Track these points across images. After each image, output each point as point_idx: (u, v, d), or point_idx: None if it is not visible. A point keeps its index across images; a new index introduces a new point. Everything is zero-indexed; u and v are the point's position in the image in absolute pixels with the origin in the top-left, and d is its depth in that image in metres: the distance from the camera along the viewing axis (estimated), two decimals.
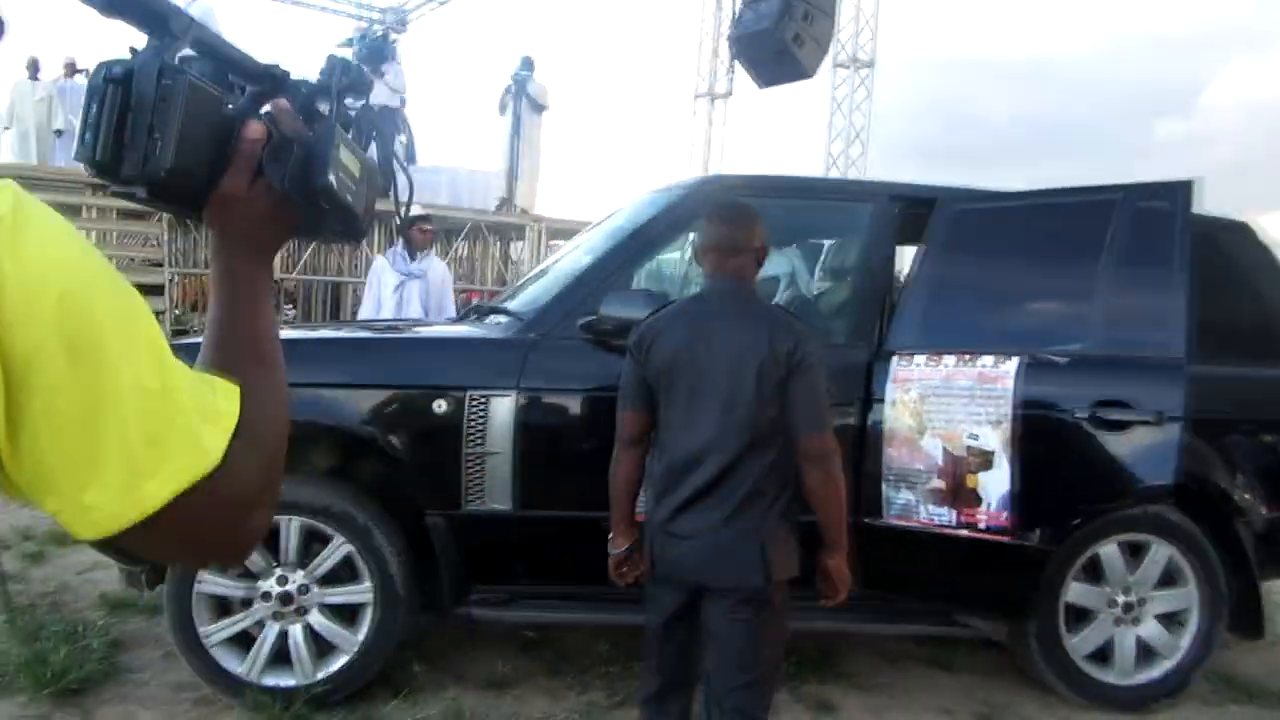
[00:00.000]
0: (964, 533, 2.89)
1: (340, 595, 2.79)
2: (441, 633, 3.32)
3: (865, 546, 3.02)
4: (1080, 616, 3.11)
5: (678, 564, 2.06)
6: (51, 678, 2.76)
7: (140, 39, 0.65)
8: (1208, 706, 3.22)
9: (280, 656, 2.78)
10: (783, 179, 3.36)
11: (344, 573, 2.78)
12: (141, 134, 0.63)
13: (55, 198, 8.25)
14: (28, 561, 3.98)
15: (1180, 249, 2.77)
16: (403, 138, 9.86)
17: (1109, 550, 3.07)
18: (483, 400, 2.76)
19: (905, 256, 3.59)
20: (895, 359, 2.95)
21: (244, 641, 2.78)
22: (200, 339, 0.74)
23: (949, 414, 2.95)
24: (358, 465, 3.01)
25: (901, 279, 3.40)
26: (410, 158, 10.00)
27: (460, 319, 3.91)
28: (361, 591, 2.77)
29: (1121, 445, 2.85)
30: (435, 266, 5.57)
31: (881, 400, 2.95)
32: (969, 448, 2.92)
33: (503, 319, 3.19)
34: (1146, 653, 3.15)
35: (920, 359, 2.94)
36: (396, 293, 5.20)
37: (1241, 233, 3.33)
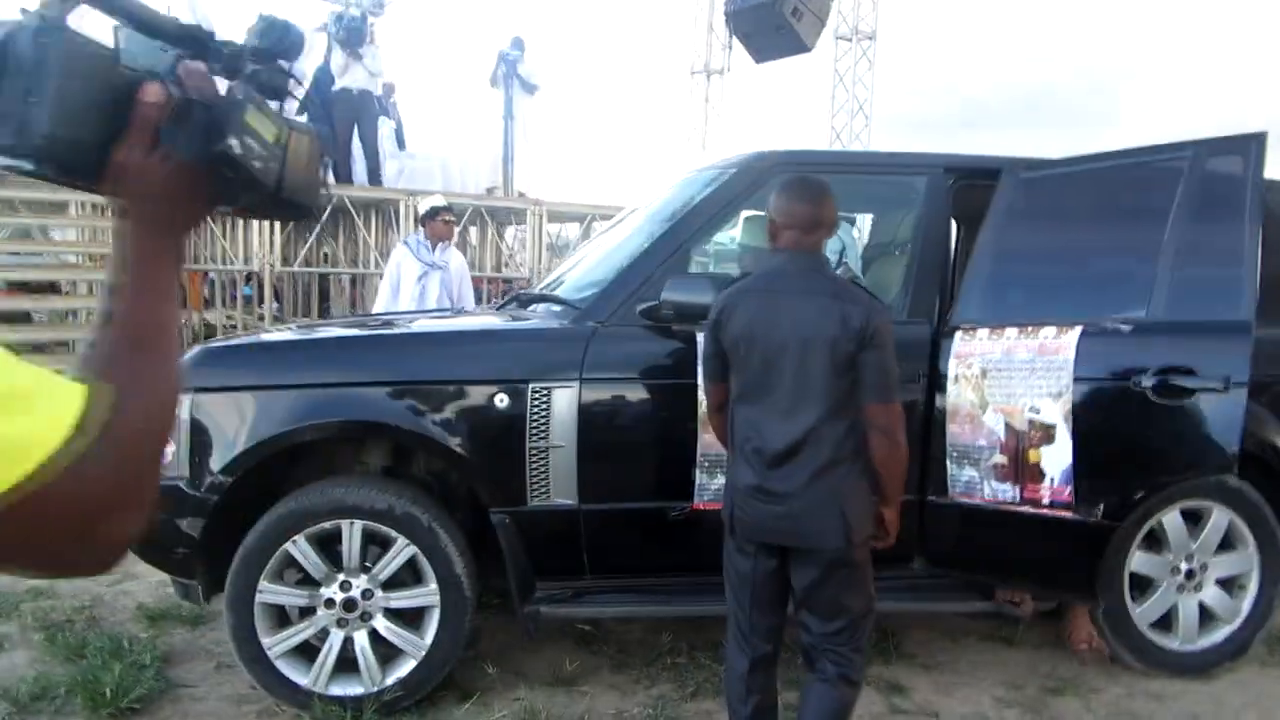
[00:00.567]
0: (1027, 509, 2.86)
1: (405, 599, 2.71)
2: (495, 631, 3.25)
3: (930, 525, 3.01)
4: (1142, 585, 3.10)
5: (759, 527, 2.13)
6: (108, 698, 2.66)
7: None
8: (1266, 669, 3.23)
9: (345, 664, 2.70)
10: (835, 154, 3.32)
11: (407, 576, 2.70)
12: (17, 99, 0.56)
13: (40, 195, 7.99)
14: None
15: (1252, 205, 2.68)
16: (391, 122, 9.66)
17: (1171, 518, 3.06)
18: (545, 393, 2.68)
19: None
20: (959, 334, 2.90)
21: (307, 651, 2.70)
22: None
23: (1009, 388, 2.90)
24: (416, 464, 2.93)
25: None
26: (399, 144, 9.81)
27: (500, 308, 3.81)
28: (427, 594, 2.69)
29: (1187, 414, 2.78)
30: (456, 257, 5.52)
31: (945, 377, 2.91)
32: (1030, 421, 2.87)
33: (555, 307, 3.11)
34: (1207, 618, 3.15)
35: (983, 333, 2.89)
36: (419, 284, 5.09)
37: None
